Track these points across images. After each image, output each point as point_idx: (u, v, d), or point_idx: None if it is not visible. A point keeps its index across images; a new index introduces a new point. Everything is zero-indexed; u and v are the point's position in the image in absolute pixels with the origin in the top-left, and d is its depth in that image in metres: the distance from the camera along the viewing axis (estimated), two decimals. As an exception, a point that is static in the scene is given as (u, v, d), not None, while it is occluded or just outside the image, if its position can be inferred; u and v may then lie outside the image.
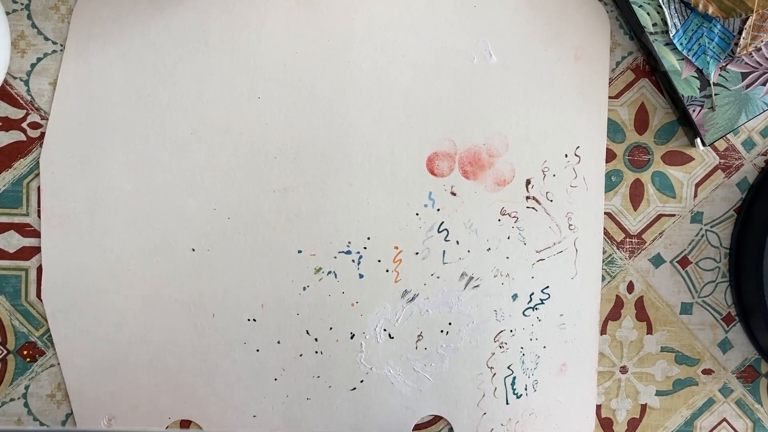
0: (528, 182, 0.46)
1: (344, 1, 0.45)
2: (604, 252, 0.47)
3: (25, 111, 0.44)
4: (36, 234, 0.45)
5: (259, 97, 0.45)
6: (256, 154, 0.45)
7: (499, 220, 0.46)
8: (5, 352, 0.46)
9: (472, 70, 0.45)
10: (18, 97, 0.44)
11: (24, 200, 0.45)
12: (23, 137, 0.45)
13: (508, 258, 0.46)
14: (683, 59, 0.44)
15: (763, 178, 0.47)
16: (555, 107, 0.46)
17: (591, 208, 0.47)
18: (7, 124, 0.44)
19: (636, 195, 0.47)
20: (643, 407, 0.49)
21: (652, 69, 0.46)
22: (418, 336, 0.47)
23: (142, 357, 0.46)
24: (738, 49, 0.43)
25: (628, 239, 0.47)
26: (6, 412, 0.46)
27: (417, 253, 0.46)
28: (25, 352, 0.46)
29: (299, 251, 0.46)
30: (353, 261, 0.46)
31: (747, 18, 0.43)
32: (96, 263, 0.45)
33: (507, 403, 0.47)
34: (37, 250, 0.45)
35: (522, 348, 0.47)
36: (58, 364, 0.46)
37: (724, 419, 0.49)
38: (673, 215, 0.48)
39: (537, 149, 0.46)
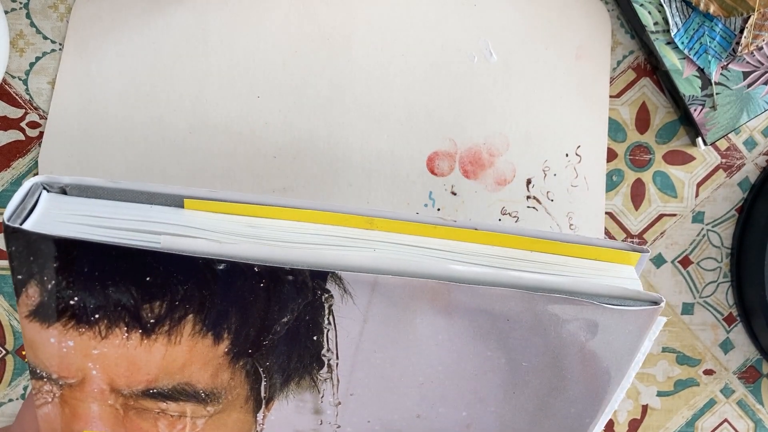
0: (529, 182, 0.46)
1: (344, 0, 0.45)
2: (605, 252, 0.47)
3: (23, 110, 0.44)
4: (35, 234, 0.45)
5: (259, 96, 0.45)
6: (256, 154, 0.45)
7: (500, 220, 0.46)
8: (4, 352, 0.46)
9: (473, 69, 0.45)
10: (17, 97, 0.44)
11: (23, 200, 0.45)
12: (22, 137, 0.44)
13: (508, 258, 0.46)
14: (684, 58, 0.44)
15: (764, 178, 0.47)
16: (555, 106, 0.46)
17: (592, 207, 0.46)
18: (6, 123, 0.44)
19: (637, 195, 0.47)
20: (644, 408, 0.48)
21: (653, 68, 0.46)
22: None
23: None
24: (739, 48, 0.43)
25: (629, 239, 0.47)
26: (4, 413, 0.46)
27: (417, 253, 0.46)
28: (24, 353, 0.46)
29: (299, 251, 0.45)
30: (353, 261, 0.46)
31: (748, 17, 0.43)
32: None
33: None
34: (35, 250, 0.45)
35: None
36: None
37: (726, 420, 0.49)
38: (675, 215, 0.47)
39: (537, 149, 0.46)
